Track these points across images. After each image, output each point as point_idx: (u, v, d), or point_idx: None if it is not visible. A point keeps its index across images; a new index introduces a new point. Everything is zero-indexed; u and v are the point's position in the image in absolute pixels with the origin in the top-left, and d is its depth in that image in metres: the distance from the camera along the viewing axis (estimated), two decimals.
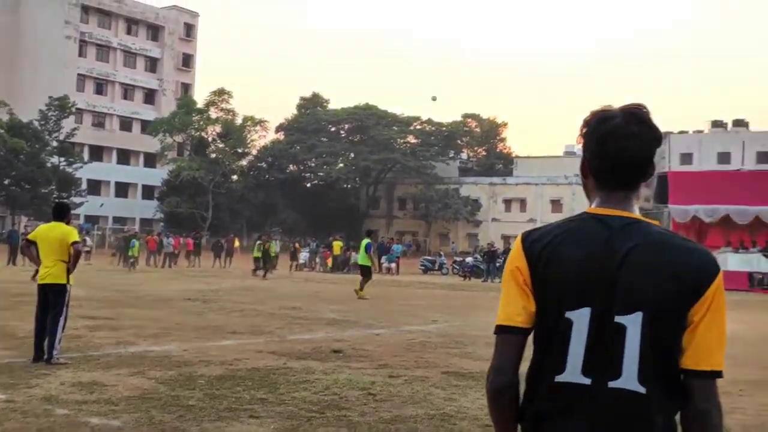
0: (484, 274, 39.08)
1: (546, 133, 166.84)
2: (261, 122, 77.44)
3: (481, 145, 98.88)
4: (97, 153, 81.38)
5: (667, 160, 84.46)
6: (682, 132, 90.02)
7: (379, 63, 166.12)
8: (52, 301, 9.71)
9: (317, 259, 46.14)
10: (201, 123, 75.33)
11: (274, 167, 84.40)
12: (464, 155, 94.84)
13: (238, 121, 76.65)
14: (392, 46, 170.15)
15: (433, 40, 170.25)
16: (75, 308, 14.74)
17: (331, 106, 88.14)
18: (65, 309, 9.78)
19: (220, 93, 75.97)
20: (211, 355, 10.64)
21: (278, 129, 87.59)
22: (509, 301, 2.05)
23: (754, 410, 8.17)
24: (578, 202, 79.02)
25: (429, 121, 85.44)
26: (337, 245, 44.70)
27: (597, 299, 1.95)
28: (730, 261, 36.38)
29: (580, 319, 1.96)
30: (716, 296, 1.96)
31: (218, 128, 76.47)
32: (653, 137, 2.02)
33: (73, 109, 70.74)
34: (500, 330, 2.05)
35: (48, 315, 9.64)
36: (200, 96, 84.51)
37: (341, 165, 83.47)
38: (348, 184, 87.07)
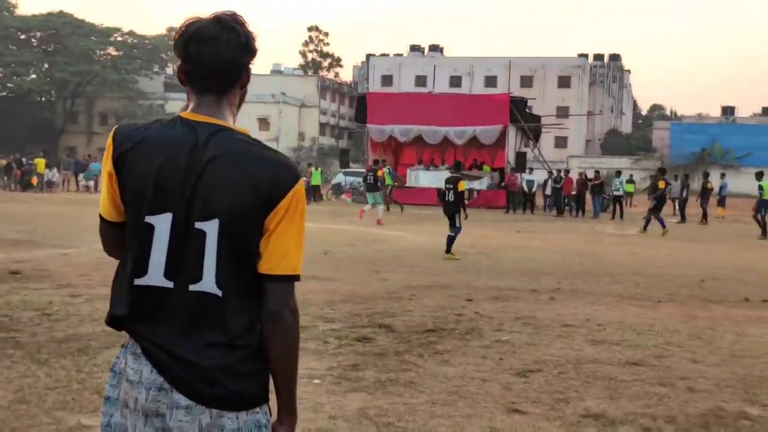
0: None
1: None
2: None
3: None
4: None
5: (369, 82, 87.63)
6: (383, 55, 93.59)
7: None
8: None
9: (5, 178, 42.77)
10: None
11: None
12: (170, 70, 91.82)
13: None
14: None
15: None
16: None
17: (21, 11, 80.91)
18: None
19: None
20: None
21: None
22: (103, 199, 2.11)
23: (419, 312, 8.90)
24: (285, 120, 80.00)
25: (131, 33, 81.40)
26: (41, 162, 41.71)
27: (178, 205, 1.98)
28: (422, 178, 38.84)
29: (161, 224, 1.99)
30: (291, 205, 2.02)
31: None
32: (237, 42, 2.04)
33: None
34: (101, 218, 2.14)
35: None
36: None
37: (33, 76, 77.35)
38: (42, 97, 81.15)
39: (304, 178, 38.74)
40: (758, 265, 15.16)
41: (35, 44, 79.34)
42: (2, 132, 73.54)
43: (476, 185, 38.24)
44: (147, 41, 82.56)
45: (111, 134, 2.07)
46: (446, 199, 15.53)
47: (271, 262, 2.02)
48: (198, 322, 1.99)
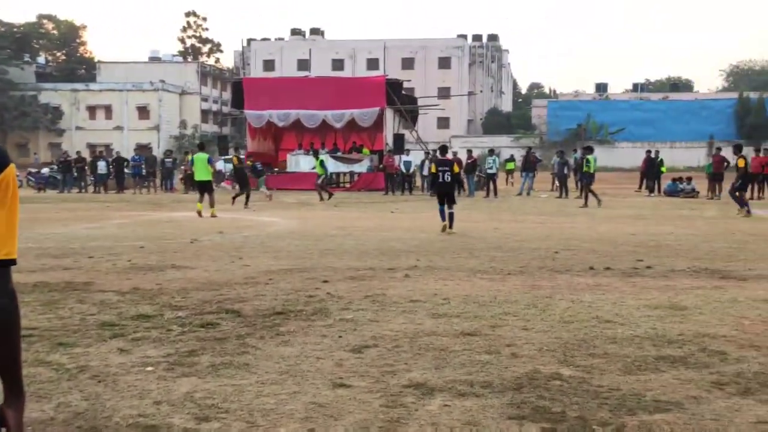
0: (60, 185, 37.44)
1: (130, 37, 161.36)
2: None
3: (59, 49, 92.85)
4: None
5: (251, 68, 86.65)
6: (264, 39, 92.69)
7: None
8: None
9: None
10: None
11: None
12: (42, 59, 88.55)
13: None
14: None
15: None
16: None
17: None
18: None
19: None
20: None
21: None
22: None
23: (272, 295, 9.00)
24: (165, 109, 78.34)
25: None
26: None
27: None
28: (302, 162, 38.87)
29: None
30: (0, 190, 2.09)
31: None
32: None
33: None
34: None
35: None
36: None
37: None
38: None
39: (183, 167, 38.16)
40: (611, 237, 15.91)
41: None
42: None
43: (356, 168, 38.60)
44: (16, 29, 79.39)
45: None
46: (443, 179, 16.71)
47: None
48: None
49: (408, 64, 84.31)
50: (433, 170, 17.60)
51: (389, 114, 38.92)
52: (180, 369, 5.93)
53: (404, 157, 35.78)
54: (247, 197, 25.68)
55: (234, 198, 26.38)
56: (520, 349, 6.55)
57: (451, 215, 16.57)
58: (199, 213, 21.00)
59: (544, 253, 13.02)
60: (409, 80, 52.72)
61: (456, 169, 17.09)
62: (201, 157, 22.17)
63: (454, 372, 5.86)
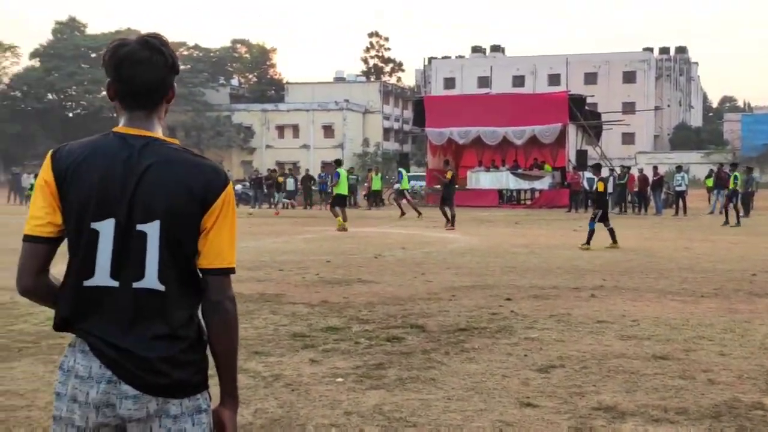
0: (252, 201, 39.28)
1: (316, 58, 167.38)
2: (11, 47, 72.13)
3: (251, 71, 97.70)
4: None
5: (431, 85, 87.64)
6: (445, 57, 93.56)
7: None
8: None
9: None
10: None
11: (30, 96, 79.09)
12: (235, 81, 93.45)
13: None
14: None
15: None
16: None
17: (90, 30, 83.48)
18: None
19: None
20: None
21: (32, 55, 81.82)
22: (36, 213, 2.24)
23: (455, 312, 9.04)
24: (349, 128, 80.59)
25: (196, 47, 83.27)
26: None
27: (119, 211, 2.19)
28: (482, 179, 38.87)
29: (106, 228, 2.20)
30: (224, 206, 2.26)
31: None
32: (164, 63, 2.27)
33: None
34: (25, 239, 2.25)
35: None
36: None
37: (104, 93, 79.55)
38: (113, 113, 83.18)
39: (365, 184, 39.09)
40: None
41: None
42: None
43: (537, 185, 38.12)
44: (212, 54, 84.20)
45: (49, 154, 2.27)
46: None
47: (209, 258, 2.25)
48: (142, 317, 2.19)
49: (591, 79, 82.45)
50: (601, 188, 17.38)
51: (572, 130, 38.21)
52: (368, 381, 6.06)
53: (588, 174, 34.98)
54: (452, 217, 23.03)
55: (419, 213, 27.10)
56: (717, 375, 6.23)
57: (590, 232, 16.85)
58: (344, 228, 21.79)
59: (740, 275, 12.34)
60: (592, 95, 51.59)
61: (600, 187, 17.48)
62: (344, 173, 23.85)
63: (646, 396, 5.66)
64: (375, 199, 38.80)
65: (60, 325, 2.26)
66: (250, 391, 5.62)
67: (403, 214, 29.18)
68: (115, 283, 2.20)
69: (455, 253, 16.04)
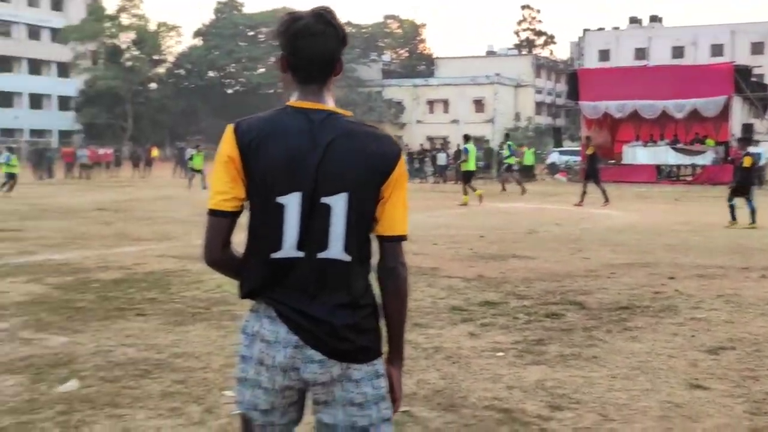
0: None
1: (467, 33, 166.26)
2: (175, 27, 75.54)
3: (402, 47, 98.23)
4: (5, 64, 78.28)
5: (585, 58, 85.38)
6: (599, 29, 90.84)
7: None
8: None
9: None
10: (113, 30, 73.02)
11: (193, 74, 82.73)
12: (386, 57, 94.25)
13: (152, 27, 74.54)
14: None
15: None
16: None
17: (247, 9, 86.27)
18: None
19: None
20: (110, 261, 10.88)
21: (195, 35, 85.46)
22: (221, 187, 2.30)
23: (615, 290, 8.82)
24: (500, 102, 79.79)
25: (348, 23, 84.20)
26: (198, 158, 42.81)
27: (305, 184, 2.24)
28: (639, 155, 37.58)
29: (292, 202, 2.25)
30: (400, 175, 2.32)
31: (131, 35, 74.30)
32: (336, 36, 2.30)
33: None
34: (210, 213, 2.33)
35: None
36: (110, 1, 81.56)
37: (262, 70, 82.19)
38: (270, 89, 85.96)
39: (517, 159, 38.65)
40: None
41: (262, 39, 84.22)
42: None
43: (698, 160, 36.55)
44: (364, 30, 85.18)
45: (231, 128, 2.30)
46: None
47: (387, 225, 2.33)
48: (326, 286, 2.26)
49: (758, 48, 77.97)
50: (747, 164, 16.36)
51: (737, 103, 36.29)
52: (529, 357, 6.02)
53: (752, 149, 33.18)
54: (603, 192, 22.16)
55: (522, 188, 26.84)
56: None
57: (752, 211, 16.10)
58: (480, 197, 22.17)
59: None
60: (759, 66, 48.78)
61: (747, 162, 16.55)
62: (473, 148, 23.52)
63: None
64: (528, 174, 38.30)
65: (248, 294, 2.34)
66: (412, 362, 5.69)
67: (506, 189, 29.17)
68: (300, 254, 2.26)
69: (612, 230, 15.63)
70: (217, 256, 2.34)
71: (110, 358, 5.88)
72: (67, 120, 77.71)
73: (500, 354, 6.09)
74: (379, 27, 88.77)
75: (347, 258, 2.27)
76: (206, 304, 7.87)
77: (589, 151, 23.41)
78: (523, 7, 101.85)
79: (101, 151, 46.76)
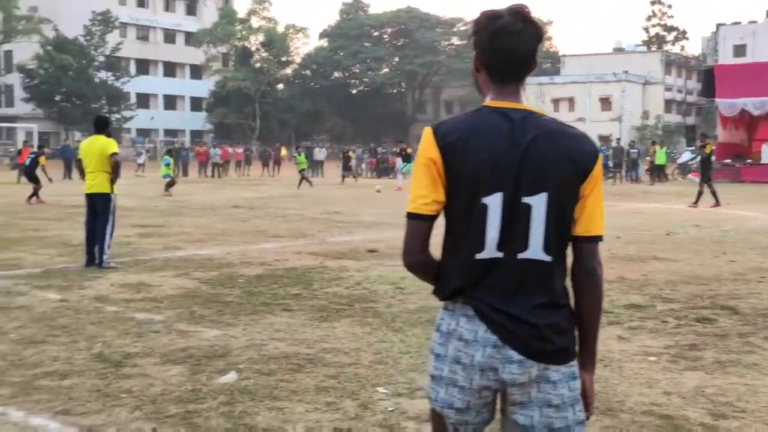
0: None
1: (593, 30, 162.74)
2: (302, 29, 77.16)
3: None
4: (143, 67, 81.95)
5: (719, 53, 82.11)
6: (735, 23, 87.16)
7: None
8: (98, 209, 10.32)
9: (363, 166, 46.42)
10: (243, 33, 75.32)
11: (318, 74, 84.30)
12: None
13: (280, 29, 76.42)
14: None
15: None
16: (126, 217, 15.49)
17: (372, 10, 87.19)
18: (111, 216, 10.38)
19: (261, 1, 75.61)
20: (252, 257, 11.20)
21: (321, 36, 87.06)
22: (420, 191, 2.29)
23: None
24: (627, 99, 77.78)
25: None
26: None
27: (507, 185, 2.22)
28: None
29: (494, 203, 2.23)
30: (599, 173, 2.30)
31: (261, 37, 76.42)
32: (535, 34, 2.27)
33: (117, 24, 71.23)
34: (410, 216, 2.31)
35: (96, 222, 10.26)
36: (241, 5, 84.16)
37: (386, 70, 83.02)
38: (394, 89, 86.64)
39: (647, 158, 37.56)
40: None
41: (386, 40, 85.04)
42: (359, 123, 79.89)
43: None
44: None
45: (430, 131, 2.29)
46: None
47: (584, 225, 2.30)
48: (525, 286, 2.24)
49: None
50: None
51: None
52: (684, 362, 5.83)
53: None
54: (713, 193, 21.63)
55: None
56: None
57: None
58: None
59: None
60: None
61: None
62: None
63: None
64: (659, 173, 37.17)
65: (450, 295, 2.32)
66: None
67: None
68: (500, 254, 2.25)
69: (756, 232, 14.97)
70: (418, 258, 2.32)
71: (263, 352, 6.04)
72: (199, 120, 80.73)
73: (652, 358, 5.92)
74: None
75: (547, 258, 2.25)
76: (348, 301, 7.99)
77: (708, 150, 22.38)
78: (653, 2, 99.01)
79: (232, 150, 48.25)
